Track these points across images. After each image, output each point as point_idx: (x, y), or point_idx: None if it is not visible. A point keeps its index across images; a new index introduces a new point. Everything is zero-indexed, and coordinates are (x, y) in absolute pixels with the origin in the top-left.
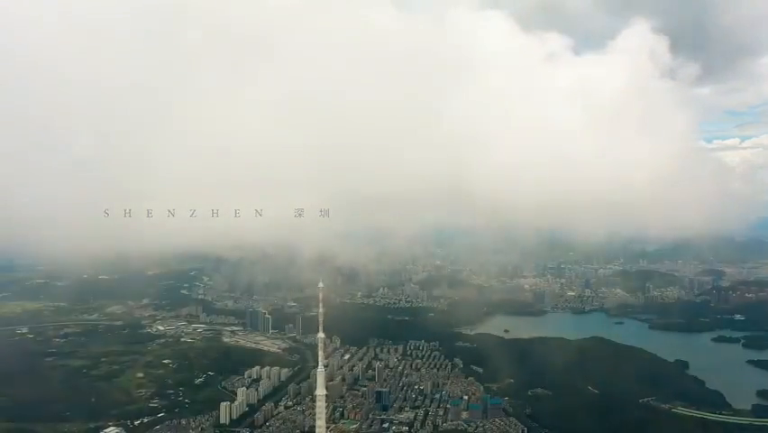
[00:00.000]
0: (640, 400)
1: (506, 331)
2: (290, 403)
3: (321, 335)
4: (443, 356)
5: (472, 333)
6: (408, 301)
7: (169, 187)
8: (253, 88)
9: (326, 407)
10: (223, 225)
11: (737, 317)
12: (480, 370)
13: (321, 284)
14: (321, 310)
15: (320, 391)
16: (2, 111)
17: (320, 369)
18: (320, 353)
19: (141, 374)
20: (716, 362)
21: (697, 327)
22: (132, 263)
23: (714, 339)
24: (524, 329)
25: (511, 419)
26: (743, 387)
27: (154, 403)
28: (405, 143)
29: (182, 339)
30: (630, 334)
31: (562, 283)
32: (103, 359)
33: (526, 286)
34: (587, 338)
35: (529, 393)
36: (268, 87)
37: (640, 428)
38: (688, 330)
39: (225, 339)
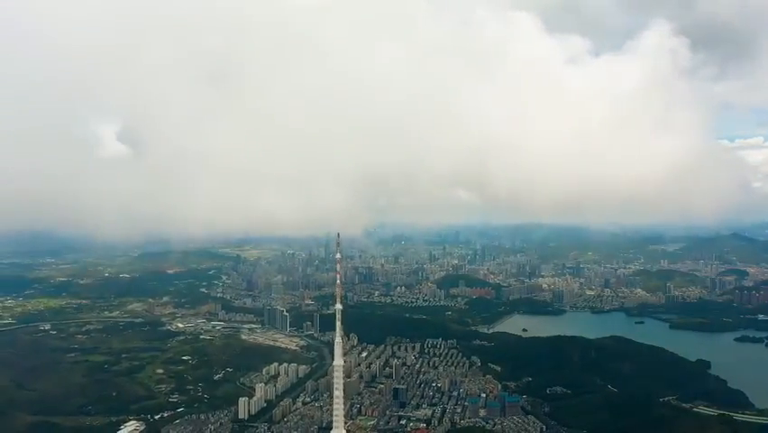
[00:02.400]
0: (661, 399)
1: (524, 330)
2: (308, 399)
3: (339, 306)
4: (460, 354)
5: (490, 331)
6: (426, 300)
7: (198, 183)
8: (283, 84)
9: (344, 404)
10: (245, 222)
11: (761, 317)
12: (498, 368)
13: (338, 255)
14: (339, 282)
15: (338, 362)
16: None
17: (338, 340)
18: (338, 324)
19: (161, 370)
20: (738, 361)
21: (719, 326)
22: (153, 262)
23: (737, 339)
24: (542, 328)
25: (529, 417)
26: (766, 387)
27: (174, 398)
28: (428, 142)
29: (201, 336)
30: (650, 333)
31: (581, 283)
32: (124, 355)
33: (545, 285)
34: (606, 337)
35: (548, 392)
36: (299, 81)
37: (660, 427)
38: (710, 330)
39: (244, 336)
